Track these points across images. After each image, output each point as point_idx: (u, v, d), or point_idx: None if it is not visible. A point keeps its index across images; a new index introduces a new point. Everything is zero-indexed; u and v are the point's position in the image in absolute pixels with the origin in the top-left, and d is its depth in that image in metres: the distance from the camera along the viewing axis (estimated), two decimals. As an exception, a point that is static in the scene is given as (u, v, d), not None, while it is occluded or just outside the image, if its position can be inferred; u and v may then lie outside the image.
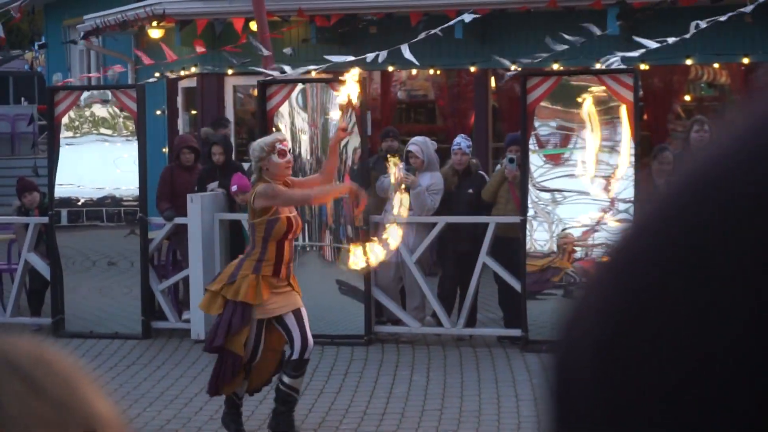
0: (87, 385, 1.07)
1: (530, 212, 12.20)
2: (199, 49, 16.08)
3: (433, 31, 13.51)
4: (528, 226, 12.17)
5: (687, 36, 12.50)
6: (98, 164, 13.77)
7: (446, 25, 13.78)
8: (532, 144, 12.30)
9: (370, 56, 13.52)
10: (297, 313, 9.06)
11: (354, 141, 12.64)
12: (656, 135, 17.28)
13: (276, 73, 13.55)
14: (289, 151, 9.16)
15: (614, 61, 12.46)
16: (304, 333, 9.02)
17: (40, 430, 1.01)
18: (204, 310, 9.68)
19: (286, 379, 9.11)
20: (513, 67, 13.88)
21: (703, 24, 12.53)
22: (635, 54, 12.63)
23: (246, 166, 14.44)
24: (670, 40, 12.45)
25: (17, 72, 35.07)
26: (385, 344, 12.52)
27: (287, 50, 14.77)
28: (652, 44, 12.49)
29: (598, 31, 13.15)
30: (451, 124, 19.47)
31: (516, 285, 12.17)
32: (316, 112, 12.98)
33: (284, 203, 8.99)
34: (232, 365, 9.02)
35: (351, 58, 13.28)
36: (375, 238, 9.95)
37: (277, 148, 8.97)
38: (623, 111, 11.98)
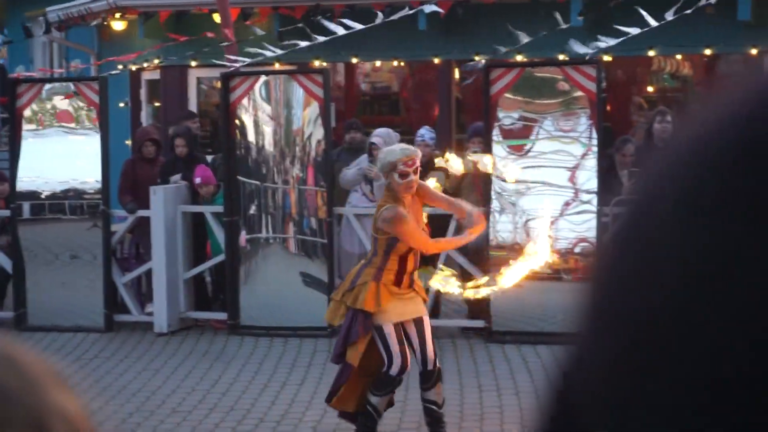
0: (47, 380, 1.05)
1: (494, 203, 12.21)
2: (168, 42, 16.02)
3: (394, 17, 13.49)
4: (491, 218, 12.18)
5: (651, 27, 12.55)
6: (61, 157, 13.70)
7: (404, 12, 13.76)
8: (496, 135, 12.31)
9: (321, 38, 13.46)
10: (418, 323, 8.57)
11: (317, 133, 12.62)
12: (619, 126, 17.32)
13: (237, 60, 13.47)
14: (415, 171, 8.35)
15: (588, 53, 12.48)
16: (423, 344, 8.49)
17: None
18: (328, 320, 9.02)
19: (427, 395, 8.63)
20: (477, 58, 13.88)
21: (670, 16, 12.58)
22: (602, 45, 12.65)
23: (209, 158, 14.38)
24: (633, 30, 12.50)
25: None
26: (349, 336, 12.48)
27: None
28: (612, 41, 12.54)
29: (563, 24, 13.16)
30: (415, 116, 19.45)
31: (479, 276, 12.16)
32: (279, 103, 12.95)
33: (402, 238, 8.34)
34: (345, 376, 8.58)
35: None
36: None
37: (398, 168, 8.33)
38: (586, 102, 12.02)
